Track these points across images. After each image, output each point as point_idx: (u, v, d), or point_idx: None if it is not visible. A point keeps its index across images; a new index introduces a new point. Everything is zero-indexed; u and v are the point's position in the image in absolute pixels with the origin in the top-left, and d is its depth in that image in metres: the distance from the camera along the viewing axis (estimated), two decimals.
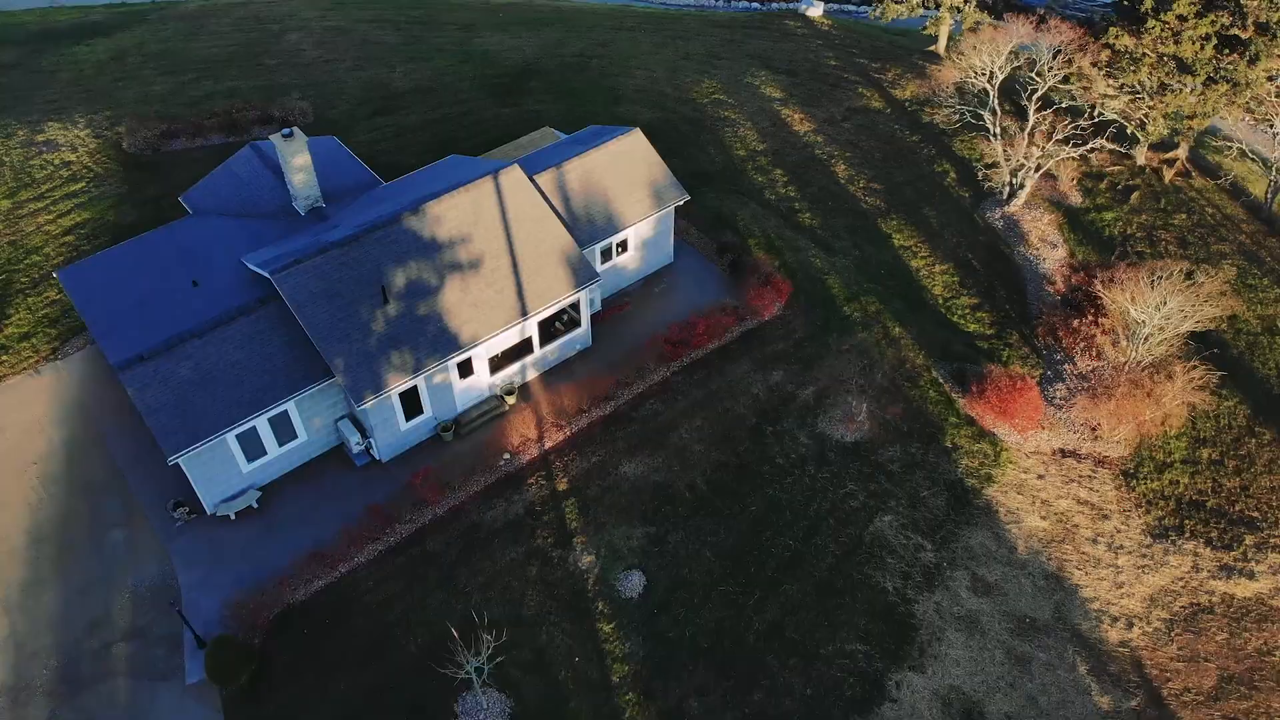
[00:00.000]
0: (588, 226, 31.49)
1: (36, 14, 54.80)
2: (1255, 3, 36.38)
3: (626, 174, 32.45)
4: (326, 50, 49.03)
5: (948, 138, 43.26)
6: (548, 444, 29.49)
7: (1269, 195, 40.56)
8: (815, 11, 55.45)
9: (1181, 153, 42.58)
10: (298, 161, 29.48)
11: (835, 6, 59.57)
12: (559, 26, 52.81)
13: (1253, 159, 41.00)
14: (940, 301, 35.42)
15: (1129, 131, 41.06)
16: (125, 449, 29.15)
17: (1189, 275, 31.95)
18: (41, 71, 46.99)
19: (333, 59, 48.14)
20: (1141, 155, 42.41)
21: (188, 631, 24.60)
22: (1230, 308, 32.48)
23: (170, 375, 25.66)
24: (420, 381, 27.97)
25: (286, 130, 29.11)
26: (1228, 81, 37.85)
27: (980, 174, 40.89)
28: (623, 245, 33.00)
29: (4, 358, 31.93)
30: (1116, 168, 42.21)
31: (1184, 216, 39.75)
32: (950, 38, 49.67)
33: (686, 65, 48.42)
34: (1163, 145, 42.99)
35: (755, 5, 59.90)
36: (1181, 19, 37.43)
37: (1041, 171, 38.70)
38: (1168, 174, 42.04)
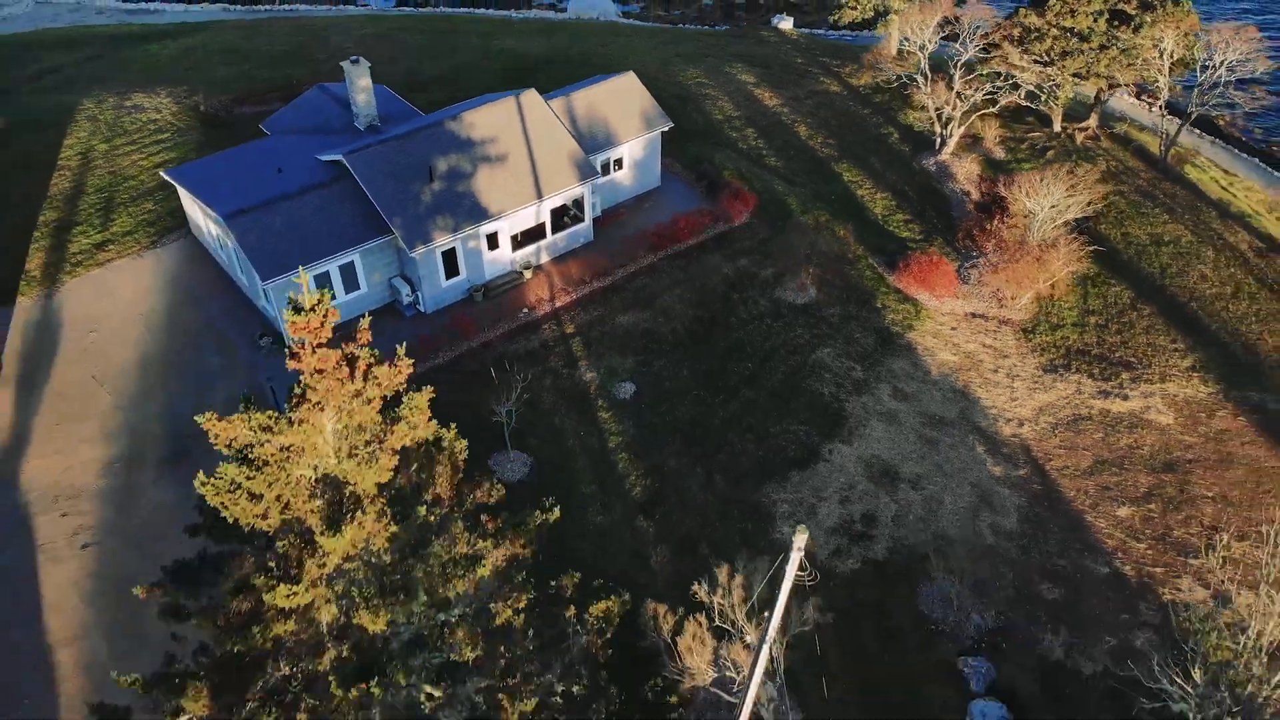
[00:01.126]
0: (590, 141, 40.01)
1: (111, 26, 64.45)
2: None
3: (622, 104, 41.13)
4: (366, 49, 58.37)
5: (893, 110, 52.21)
6: (558, 304, 37.39)
7: (1162, 149, 49.28)
8: (786, 25, 65.24)
9: (1092, 122, 51.52)
10: (362, 83, 38.15)
11: (805, 31, 69.36)
12: (567, 33, 62.47)
13: (1151, 132, 49.89)
14: (880, 217, 43.76)
15: (1043, 100, 49.91)
16: (216, 305, 37.02)
17: (1071, 172, 40.30)
18: (120, 62, 56.23)
19: (371, 54, 57.44)
20: (1058, 123, 51.27)
21: (272, 396, 32.09)
22: (1101, 193, 40.80)
23: (266, 224, 33.76)
24: (458, 244, 36.02)
25: (354, 58, 37.83)
26: (1119, 48, 46.91)
27: (913, 119, 49.72)
28: (619, 162, 41.45)
29: (112, 247, 40.00)
30: (1036, 134, 51.01)
31: (1090, 166, 48.28)
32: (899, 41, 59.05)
33: (676, 60, 57.76)
34: (1076, 119, 51.91)
35: (733, 27, 69.71)
36: (1077, 2, 46.70)
37: (967, 123, 47.46)
38: (1079, 137, 50.85)
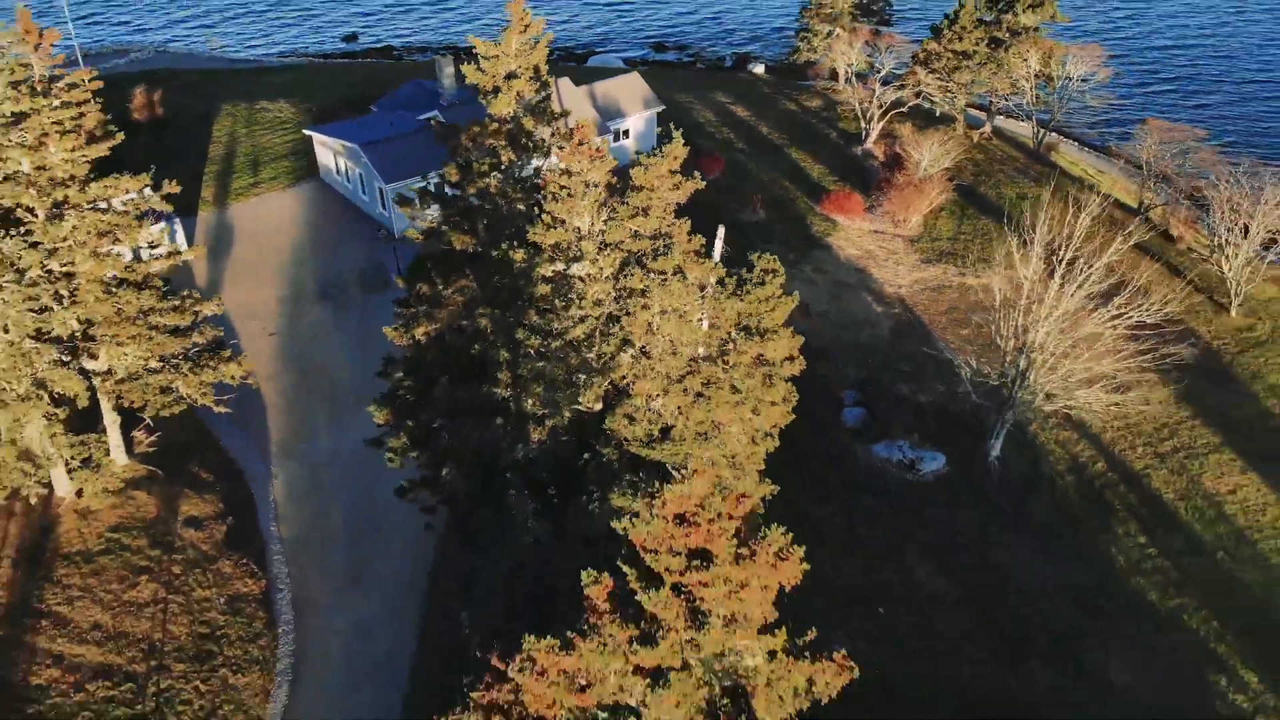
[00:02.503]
0: (605, 114, 57.62)
1: (228, 66, 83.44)
2: (1008, 18, 64.08)
3: (628, 91, 58.95)
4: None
5: (834, 120, 70.04)
6: None
7: (1036, 141, 66.86)
8: (759, 69, 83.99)
9: (986, 128, 69.32)
10: (447, 70, 56.02)
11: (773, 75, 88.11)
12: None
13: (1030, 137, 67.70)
14: (815, 178, 61.02)
15: (946, 106, 67.53)
16: (343, 218, 54.00)
17: (945, 136, 57.59)
18: (244, 85, 74.74)
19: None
20: (960, 125, 68.95)
21: (396, 266, 48.65)
22: (967, 150, 57.84)
23: (385, 151, 51.01)
24: None
25: (443, 52, 55.84)
26: (995, 64, 64.92)
27: (847, 125, 67.50)
28: (626, 132, 58.95)
29: (262, 186, 57.18)
30: (943, 135, 68.64)
31: (982, 154, 65.77)
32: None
33: (670, 89, 76.03)
34: (976, 126, 69.63)
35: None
36: (964, 29, 64.99)
37: (884, 120, 65.08)
38: (977, 137, 68.48)
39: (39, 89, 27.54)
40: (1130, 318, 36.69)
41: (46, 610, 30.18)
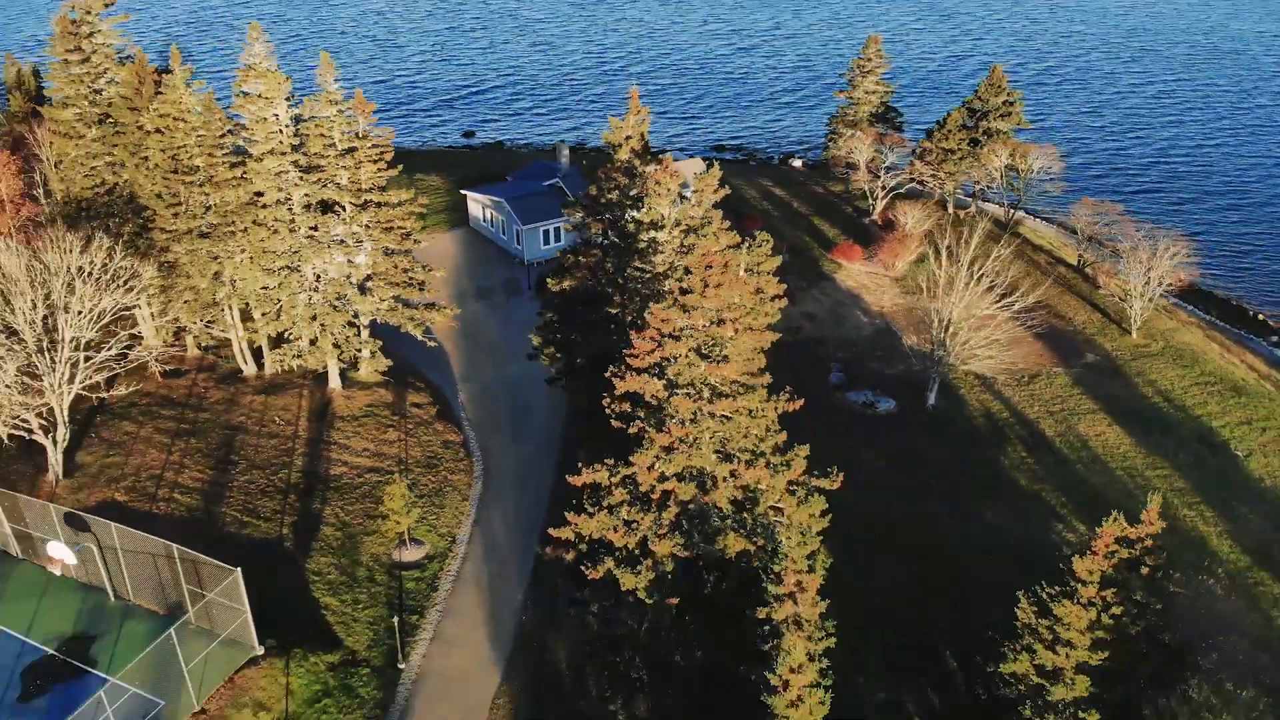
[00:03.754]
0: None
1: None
2: (984, 123, 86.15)
3: (692, 166, 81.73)
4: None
5: (851, 200, 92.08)
6: None
7: (1007, 217, 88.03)
8: (797, 163, 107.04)
9: (972, 208, 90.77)
10: (565, 151, 79.70)
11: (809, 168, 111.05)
12: None
13: (1005, 214, 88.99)
14: (829, 235, 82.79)
15: (938, 192, 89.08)
16: (489, 254, 76.97)
17: (925, 208, 79.01)
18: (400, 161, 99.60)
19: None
20: (950, 206, 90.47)
21: (527, 281, 71.11)
22: (937, 219, 78.94)
23: (522, 203, 74.22)
24: None
25: (563, 140, 79.61)
26: (973, 158, 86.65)
27: (855, 193, 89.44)
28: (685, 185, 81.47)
29: (430, 229, 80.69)
30: (922, 204, 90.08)
31: (964, 227, 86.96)
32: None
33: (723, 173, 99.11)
34: (964, 207, 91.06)
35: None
36: (950, 131, 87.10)
37: (886, 199, 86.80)
38: (963, 215, 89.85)
39: (361, 135, 50.70)
40: (1013, 304, 57.12)
41: (334, 441, 51.87)
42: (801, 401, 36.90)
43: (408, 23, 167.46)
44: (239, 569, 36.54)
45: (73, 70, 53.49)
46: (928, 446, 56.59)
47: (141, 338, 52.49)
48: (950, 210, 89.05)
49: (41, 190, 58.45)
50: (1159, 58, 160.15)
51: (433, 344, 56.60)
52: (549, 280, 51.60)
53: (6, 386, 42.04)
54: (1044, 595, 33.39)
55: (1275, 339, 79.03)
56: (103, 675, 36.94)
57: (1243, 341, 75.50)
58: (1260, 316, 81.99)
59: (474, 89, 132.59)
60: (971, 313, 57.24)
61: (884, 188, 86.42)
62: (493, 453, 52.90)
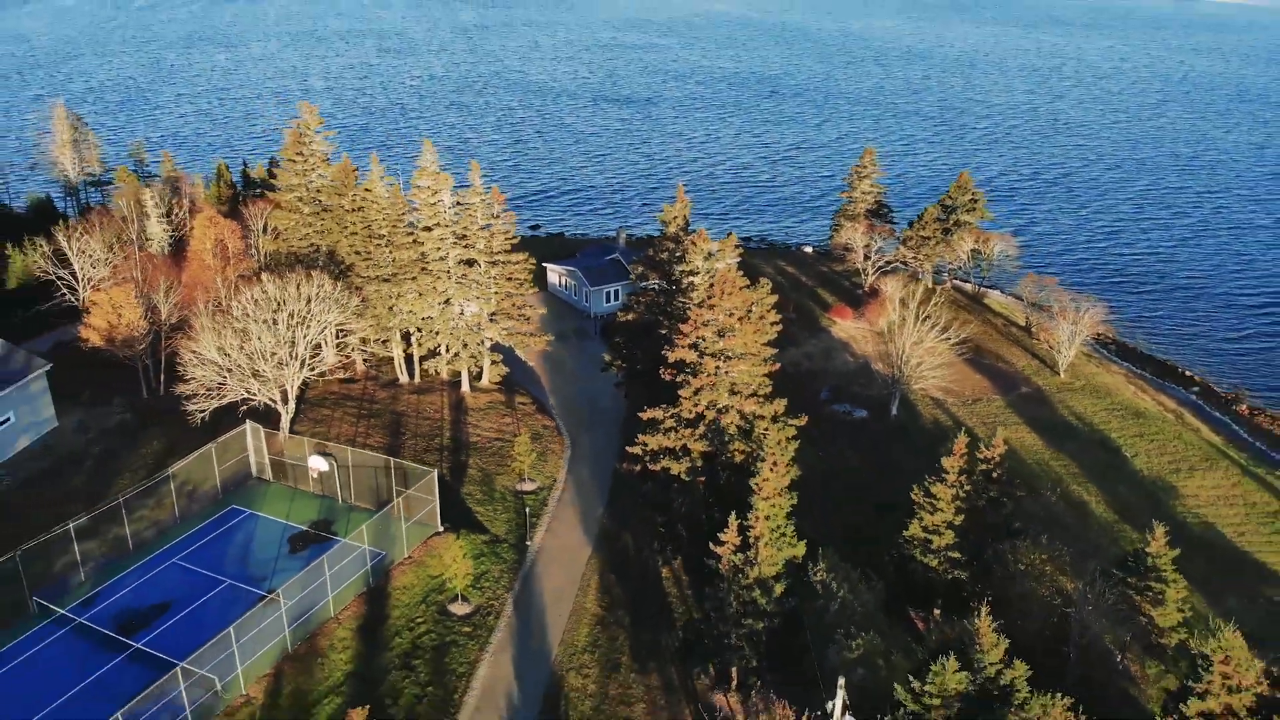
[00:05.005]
0: None
1: None
2: (954, 216, 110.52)
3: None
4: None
5: (848, 276, 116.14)
6: None
7: (975, 290, 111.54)
8: (808, 249, 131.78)
9: (947, 284, 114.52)
10: (623, 236, 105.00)
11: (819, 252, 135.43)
12: None
13: (972, 288, 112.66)
14: (828, 300, 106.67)
15: (918, 270, 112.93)
16: (565, 311, 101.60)
17: (905, 284, 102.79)
18: None
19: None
20: (929, 280, 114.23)
21: (594, 328, 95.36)
22: (912, 292, 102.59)
23: (591, 270, 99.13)
24: None
25: (618, 229, 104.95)
26: (946, 243, 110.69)
27: (850, 268, 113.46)
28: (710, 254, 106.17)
29: (522, 289, 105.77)
30: (899, 278, 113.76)
31: (916, 284, 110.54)
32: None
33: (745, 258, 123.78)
34: (939, 280, 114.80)
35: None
36: (926, 223, 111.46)
37: (875, 274, 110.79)
38: (939, 290, 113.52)
39: (495, 216, 75.70)
40: (948, 339, 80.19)
41: (469, 423, 75.49)
42: (804, 418, 59.98)
43: (479, 137, 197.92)
44: (434, 469, 59.87)
45: (296, 168, 79.48)
46: (886, 440, 78.97)
47: (346, 342, 76.82)
48: (928, 284, 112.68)
49: (255, 249, 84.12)
50: (1101, 161, 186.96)
51: (530, 363, 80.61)
52: (619, 314, 75.66)
53: (265, 370, 66.27)
54: (926, 484, 55.61)
55: (1196, 389, 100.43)
56: (340, 539, 59.99)
57: (1161, 388, 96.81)
58: (1187, 373, 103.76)
59: (539, 191, 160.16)
60: (919, 344, 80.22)
61: (874, 265, 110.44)
62: (575, 434, 76.21)
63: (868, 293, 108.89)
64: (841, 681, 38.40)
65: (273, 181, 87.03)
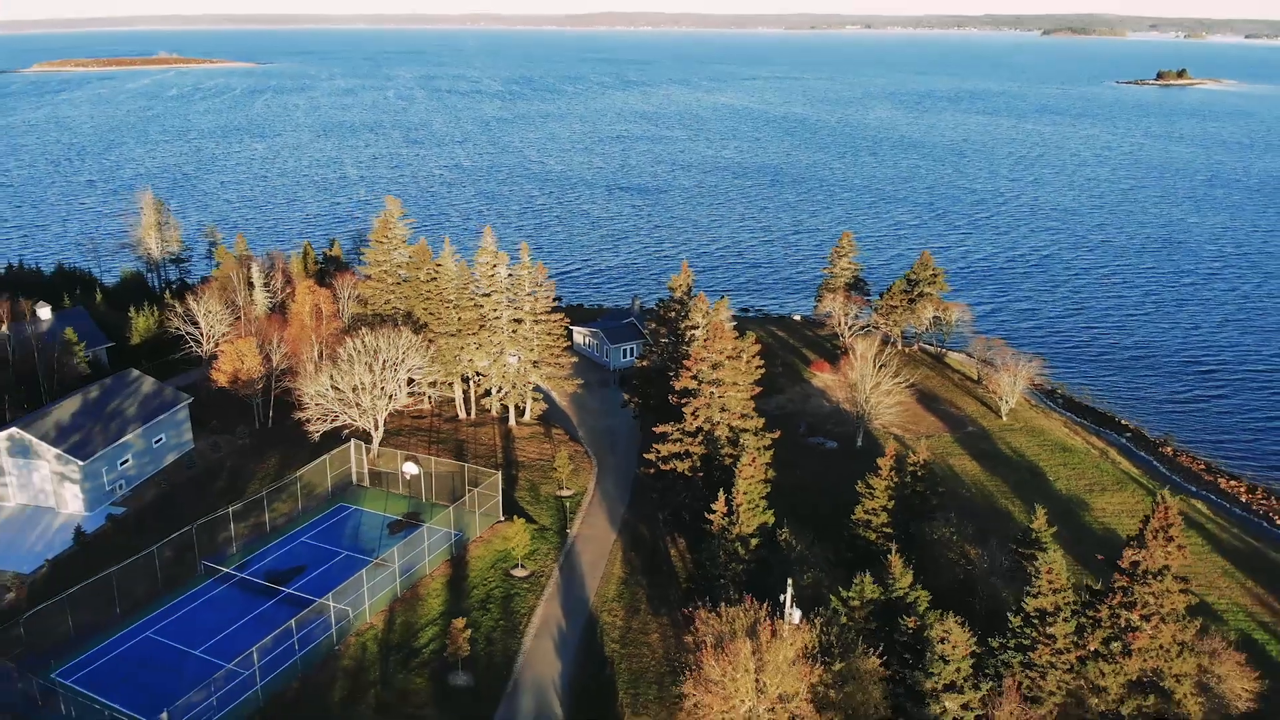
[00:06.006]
0: None
1: None
2: (918, 288, 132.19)
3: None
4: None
5: (832, 340, 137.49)
6: None
7: (937, 351, 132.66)
8: (797, 317, 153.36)
9: (915, 346, 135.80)
10: (637, 303, 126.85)
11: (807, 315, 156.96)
12: None
13: (935, 349, 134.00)
14: (811, 357, 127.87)
15: (888, 333, 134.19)
16: (589, 366, 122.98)
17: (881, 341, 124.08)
18: None
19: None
20: (899, 342, 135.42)
21: (613, 379, 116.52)
22: (876, 347, 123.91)
23: (610, 330, 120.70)
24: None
25: (633, 299, 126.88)
26: (911, 311, 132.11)
27: (830, 332, 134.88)
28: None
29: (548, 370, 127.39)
30: (867, 340, 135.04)
31: (876, 341, 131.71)
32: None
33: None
34: (908, 342, 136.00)
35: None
36: (894, 294, 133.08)
37: (852, 335, 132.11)
38: (908, 350, 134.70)
39: (538, 284, 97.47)
40: (899, 382, 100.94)
41: (516, 448, 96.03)
42: (779, 433, 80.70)
43: (505, 222, 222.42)
44: (498, 472, 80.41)
45: (383, 247, 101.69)
46: (852, 463, 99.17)
47: (415, 383, 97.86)
48: (897, 346, 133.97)
49: (342, 312, 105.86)
50: (1073, 242, 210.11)
51: (563, 404, 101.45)
52: (637, 360, 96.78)
53: (362, 403, 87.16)
54: (868, 479, 75.77)
55: (1128, 435, 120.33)
56: (425, 524, 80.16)
57: (1096, 432, 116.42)
58: (1123, 421, 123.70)
59: (561, 269, 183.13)
60: (878, 387, 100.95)
61: (850, 329, 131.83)
62: (601, 456, 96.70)
63: (843, 351, 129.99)
64: (790, 581, 58.19)
65: (352, 257, 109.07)
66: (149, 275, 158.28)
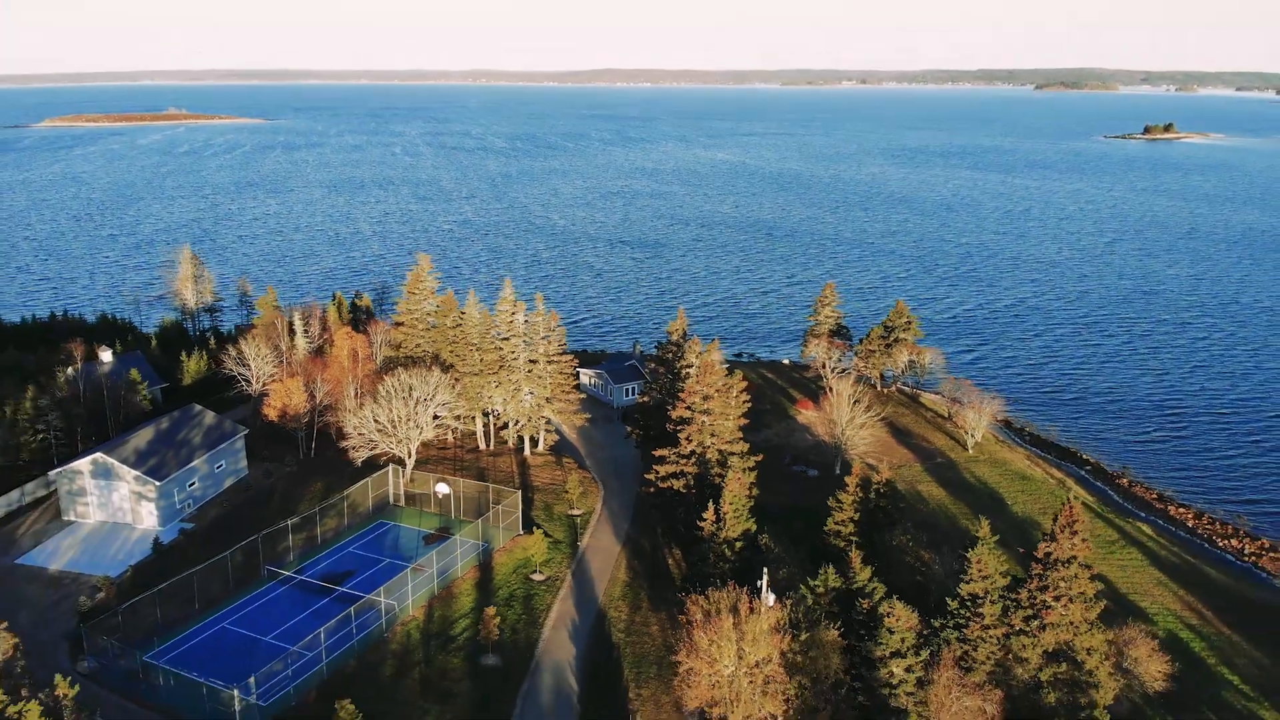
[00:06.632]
0: None
1: None
2: (893, 334, 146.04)
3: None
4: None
5: (817, 381, 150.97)
6: None
7: (911, 391, 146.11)
8: (785, 361, 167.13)
9: (892, 387, 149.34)
10: (639, 347, 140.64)
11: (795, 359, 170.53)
12: None
13: (909, 390, 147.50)
14: (797, 396, 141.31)
15: (868, 375, 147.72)
16: (594, 404, 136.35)
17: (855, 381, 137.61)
18: None
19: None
20: (878, 383, 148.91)
21: (617, 415, 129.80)
22: (853, 387, 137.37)
23: (614, 371, 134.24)
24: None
25: (636, 340, 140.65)
26: (887, 355, 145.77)
27: (818, 375, 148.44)
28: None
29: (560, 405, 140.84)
30: (847, 379, 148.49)
31: (882, 399, 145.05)
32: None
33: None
34: (886, 383, 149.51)
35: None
36: (873, 340, 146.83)
37: (834, 376, 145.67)
38: (886, 391, 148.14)
39: (551, 329, 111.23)
40: (875, 418, 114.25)
41: (531, 474, 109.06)
42: (762, 455, 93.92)
43: (513, 274, 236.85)
44: (518, 491, 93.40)
45: (415, 298, 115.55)
46: (830, 488, 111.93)
47: (441, 419, 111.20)
48: (876, 386, 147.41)
49: (375, 354, 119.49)
50: (1052, 292, 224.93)
51: (571, 437, 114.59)
52: (639, 396, 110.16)
53: (399, 433, 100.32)
54: (838, 495, 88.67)
55: (1088, 468, 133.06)
56: (456, 535, 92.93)
57: (1058, 465, 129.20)
58: (1084, 456, 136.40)
59: (567, 318, 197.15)
60: (852, 421, 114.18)
61: (832, 371, 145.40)
62: (606, 481, 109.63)
63: (826, 391, 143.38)
64: (765, 570, 70.94)
65: (379, 307, 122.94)
66: (184, 322, 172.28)
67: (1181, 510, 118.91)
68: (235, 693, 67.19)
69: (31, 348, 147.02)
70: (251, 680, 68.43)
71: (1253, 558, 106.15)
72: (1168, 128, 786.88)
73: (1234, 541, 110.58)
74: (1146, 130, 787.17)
